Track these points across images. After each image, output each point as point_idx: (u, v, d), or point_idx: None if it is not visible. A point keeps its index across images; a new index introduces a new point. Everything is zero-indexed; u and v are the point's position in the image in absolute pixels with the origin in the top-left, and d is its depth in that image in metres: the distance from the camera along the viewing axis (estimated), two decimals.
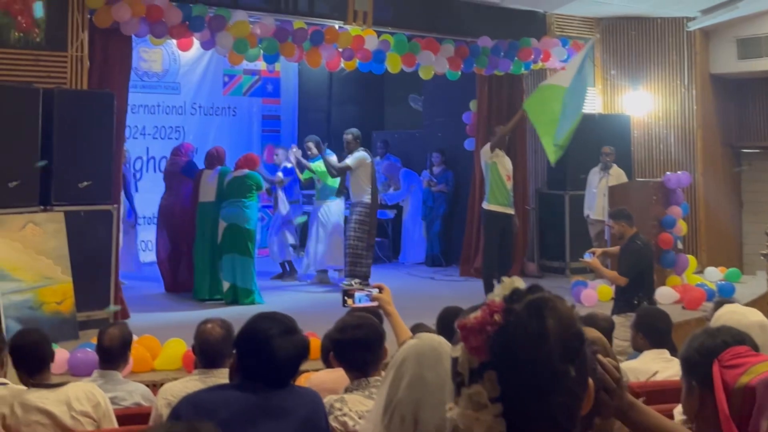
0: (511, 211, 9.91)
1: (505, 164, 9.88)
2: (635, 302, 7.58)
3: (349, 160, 10.63)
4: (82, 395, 4.15)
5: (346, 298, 4.09)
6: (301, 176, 11.45)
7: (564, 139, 8.99)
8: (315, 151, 11.09)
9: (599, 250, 8.29)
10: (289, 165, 11.60)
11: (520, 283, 1.50)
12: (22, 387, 4.34)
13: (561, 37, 12.15)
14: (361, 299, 4.06)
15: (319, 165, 11.04)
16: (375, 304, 4.05)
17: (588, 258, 7.93)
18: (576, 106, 9.15)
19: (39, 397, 4.12)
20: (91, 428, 4.12)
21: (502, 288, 1.49)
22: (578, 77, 9.15)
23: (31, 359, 4.33)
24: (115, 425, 4.21)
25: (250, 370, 3.06)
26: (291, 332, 3.06)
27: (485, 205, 9.88)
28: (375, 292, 4.04)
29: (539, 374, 1.41)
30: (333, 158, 10.87)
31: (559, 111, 8.98)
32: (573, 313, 1.50)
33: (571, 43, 12.09)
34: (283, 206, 11.45)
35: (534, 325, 1.43)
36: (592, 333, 2.30)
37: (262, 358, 3.03)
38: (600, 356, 2.02)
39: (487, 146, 9.92)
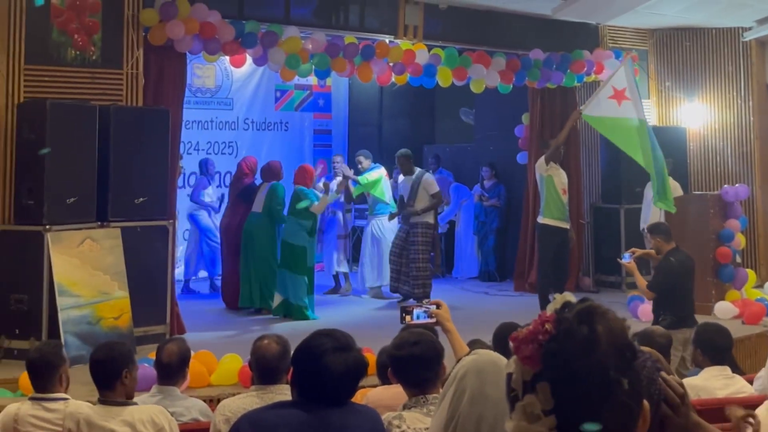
0: (567, 225, 9.81)
1: (560, 177, 9.79)
2: (660, 320, 7.33)
3: (435, 187, 10.67)
4: (147, 419, 4.14)
5: (404, 314, 4.07)
6: (353, 192, 11.47)
7: (667, 189, 9.01)
8: (366, 164, 11.15)
9: (639, 251, 8.03)
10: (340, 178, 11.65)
11: (571, 297, 1.51)
12: (84, 403, 4.37)
13: (614, 49, 12.03)
14: (419, 316, 4.04)
15: (366, 177, 11.09)
16: (433, 320, 4.02)
17: (626, 260, 7.73)
18: (658, 153, 9.11)
19: (104, 415, 4.13)
20: None
21: (554, 303, 1.50)
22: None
23: (99, 375, 4.30)
24: None
25: (303, 387, 3.05)
26: (345, 350, 3.02)
27: (540, 219, 9.80)
28: (433, 308, 4.01)
29: (591, 383, 1.40)
30: (376, 173, 10.99)
31: (648, 155, 8.94)
32: (624, 324, 1.49)
33: (624, 54, 11.95)
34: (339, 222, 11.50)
35: (584, 331, 1.43)
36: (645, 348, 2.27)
37: (314, 374, 3.01)
38: (663, 373, 1.99)
39: (542, 159, 9.83)
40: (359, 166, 11.28)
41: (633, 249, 8.04)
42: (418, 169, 10.87)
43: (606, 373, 1.41)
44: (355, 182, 11.21)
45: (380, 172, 11.19)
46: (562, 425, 1.40)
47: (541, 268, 9.92)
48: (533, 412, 1.41)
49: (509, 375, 1.48)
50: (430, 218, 10.62)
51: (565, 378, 1.40)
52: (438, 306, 4.02)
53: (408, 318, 4.07)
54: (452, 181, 13.37)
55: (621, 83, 9.37)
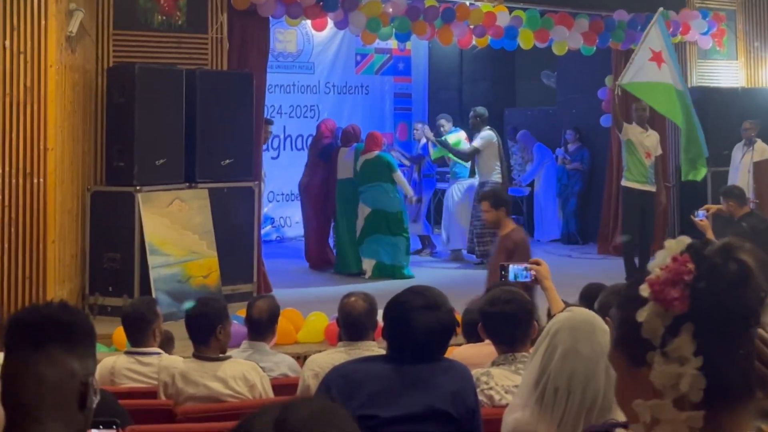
0: (651, 188, 9.62)
1: (642, 141, 9.60)
2: None
3: (477, 142, 10.69)
4: (239, 375, 4.23)
5: (503, 272, 4.10)
6: (432, 154, 11.48)
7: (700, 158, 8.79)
8: (447, 128, 11.19)
9: (714, 207, 7.76)
10: (425, 141, 11.68)
11: (688, 239, 1.45)
12: (178, 357, 4.50)
13: (701, 9, 11.71)
14: (518, 274, 4.06)
15: (446, 140, 11.12)
16: (532, 278, 4.04)
17: (700, 218, 7.51)
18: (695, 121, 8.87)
19: (198, 370, 4.24)
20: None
21: (678, 244, 1.44)
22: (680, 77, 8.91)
23: (194, 330, 4.41)
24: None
25: (392, 341, 3.13)
26: (433, 308, 3.07)
27: (623, 182, 9.68)
28: (533, 266, 4.04)
29: (739, 318, 1.37)
30: (455, 137, 11.02)
31: (689, 116, 8.71)
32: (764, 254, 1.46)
33: (712, 15, 11.66)
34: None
35: (733, 266, 1.38)
36: None
37: (401, 329, 3.08)
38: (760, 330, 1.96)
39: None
40: (441, 129, 11.32)
41: (707, 206, 7.84)
42: (485, 129, 10.83)
43: (758, 305, 1.38)
44: (435, 145, 11.29)
45: (459, 136, 11.23)
46: (707, 365, 1.37)
47: (624, 231, 9.80)
48: (682, 354, 1.37)
49: (639, 324, 1.40)
50: (497, 176, 10.60)
51: (714, 316, 1.37)
52: (538, 264, 4.04)
53: (506, 275, 4.10)
54: (536, 140, 13.23)
55: (657, 45, 9.06)
